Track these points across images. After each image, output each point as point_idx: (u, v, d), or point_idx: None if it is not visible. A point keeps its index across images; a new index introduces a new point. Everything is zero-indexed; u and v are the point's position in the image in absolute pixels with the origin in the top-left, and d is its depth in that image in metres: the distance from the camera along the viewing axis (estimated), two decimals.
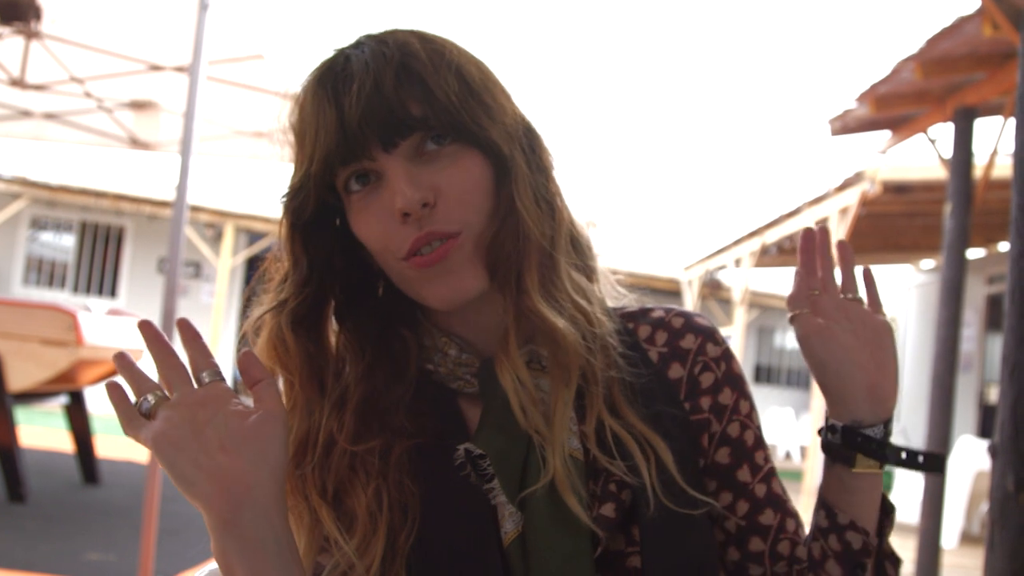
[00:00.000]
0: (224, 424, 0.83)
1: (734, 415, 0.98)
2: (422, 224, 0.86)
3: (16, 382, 6.01)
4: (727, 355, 1.01)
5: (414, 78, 0.87)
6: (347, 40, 0.94)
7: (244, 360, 0.89)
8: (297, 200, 0.92)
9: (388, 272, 0.92)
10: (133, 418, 0.87)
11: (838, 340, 0.96)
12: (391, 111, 0.86)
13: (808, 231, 1.01)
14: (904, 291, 15.06)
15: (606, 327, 0.95)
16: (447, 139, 0.88)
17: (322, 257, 0.95)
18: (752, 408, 1.01)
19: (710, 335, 1.01)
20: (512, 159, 0.91)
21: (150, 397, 0.86)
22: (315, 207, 0.92)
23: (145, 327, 0.90)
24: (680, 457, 0.92)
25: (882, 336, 0.97)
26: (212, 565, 1.07)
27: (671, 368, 0.99)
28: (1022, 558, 2.32)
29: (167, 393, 0.87)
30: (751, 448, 0.99)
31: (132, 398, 0.88)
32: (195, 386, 0.87)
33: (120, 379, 0.89)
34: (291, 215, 0.94)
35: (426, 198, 0.86)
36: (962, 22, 5.00)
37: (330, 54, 0.93)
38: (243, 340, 0.99)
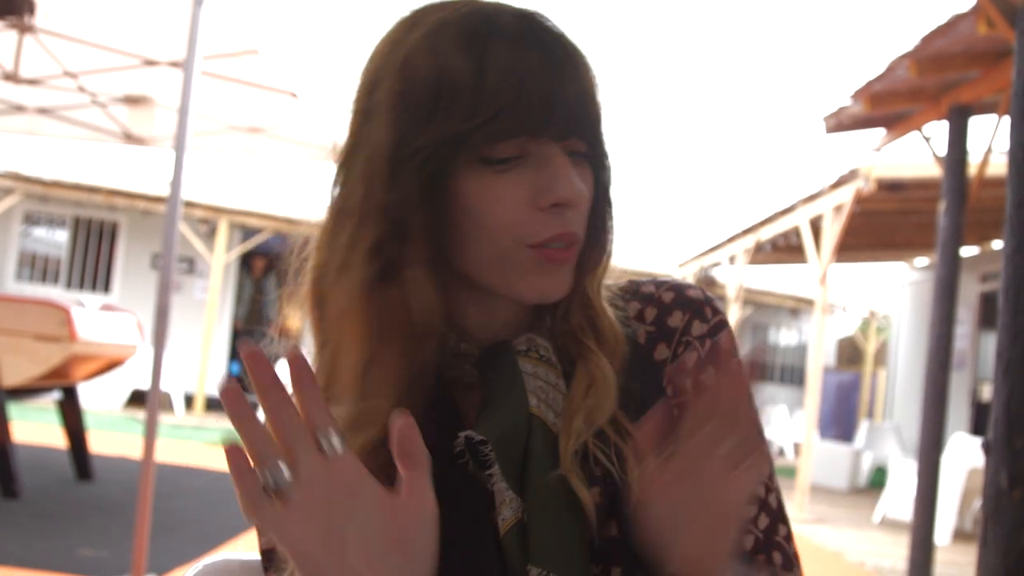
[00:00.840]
0: (367, 523, 0.73)
1: None
2: (567, 222, 0.86)
3: (9, 378, 5.99)
4: (714, 331, 0.97)
5: (595, 85, 0.89)
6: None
7: (403, 431, 0.74)
8: (449, 147, 0.83)
9: (489, 254, 0.87)
10: (255, 495, 0.71)
11: (674, 506, 0.80)
12: (587, 110, 0.87)
13: (683, 372, 0.92)
14: (898, 289, 15.08)
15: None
16: (587, 153, 0.90)
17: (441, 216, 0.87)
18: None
19: (699, 310, 0.98)
20: (611, 184, 0.94)
21: (282, 470, 0.71)
22: (451, 163, 0.85)
23: (253, 360, 0.74)
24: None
25: (728, 517, 0.81)
26: (205, 561, 1.07)
27: (657, 348, 0.97)
28: (1016, 554, 2.32)
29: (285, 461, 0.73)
30: None
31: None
32: (319, 454, 0.73)
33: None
34: (433, 163, 0.84)
35: (586, 197, 0.88)
36: (957, 20, 5.00)
37: (488, 7, 0.87)
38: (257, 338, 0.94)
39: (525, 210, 0.85)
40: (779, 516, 0.96)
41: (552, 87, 0.83)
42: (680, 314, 0.98)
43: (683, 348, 0.97)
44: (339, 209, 0.90)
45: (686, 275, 15.51)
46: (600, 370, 0.90)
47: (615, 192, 0.95)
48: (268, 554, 0.98)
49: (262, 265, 14.46)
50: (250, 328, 14.14)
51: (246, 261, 15.73)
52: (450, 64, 0.84)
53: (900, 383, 14.43)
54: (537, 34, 0.86)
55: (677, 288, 1.00)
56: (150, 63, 6.25)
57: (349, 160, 0.90)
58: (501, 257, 0.87)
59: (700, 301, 0.98)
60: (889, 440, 12.90)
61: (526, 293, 0.89)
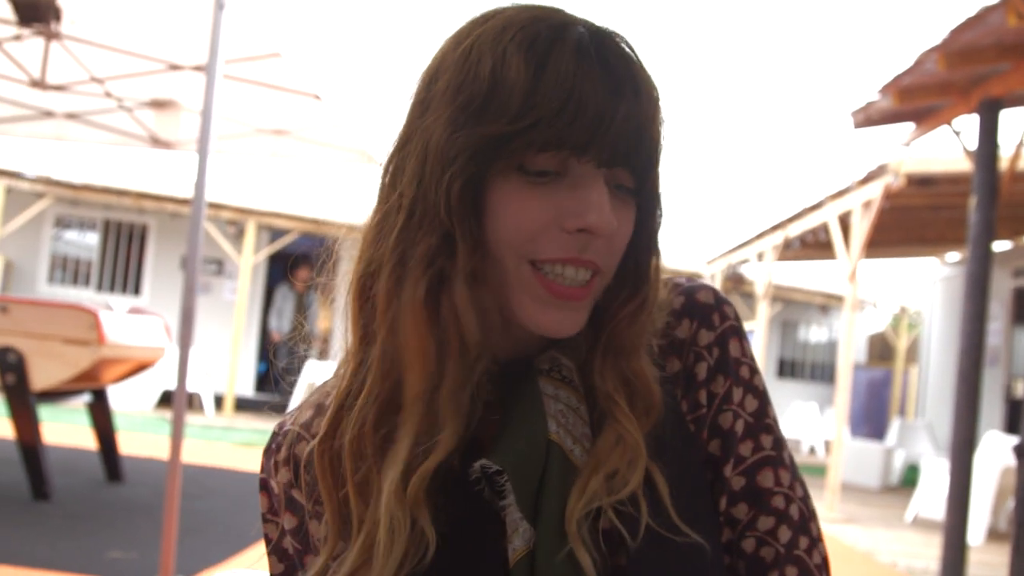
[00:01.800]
0: None
1: (725, 404, 0.92)
2: (588, 250, 0.83)
3: (39, 381, 6.05)
4: (722, 338, 0.94)
5: (656, 119, 0.85)
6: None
7: None
8: (491, 149, 0.81)
9: (499, 271, 0.84)
10: None
11: None
12: (640, 141, 0.83)
13: None
14: (929, 284, 14.94)
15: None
16: (634, 191, 0.86)
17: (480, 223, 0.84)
18: (747, 392, 0.94)
19: (706, 317, 0.94)
20: (657, 231, 0.90)
21: None
22: (493, 166, 0.82)
23: None
24: (678, 487, 0.87)
25: None
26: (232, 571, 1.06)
27: (669, 362, 0.93)
28: None
29: None
30: (740, 438, 0.92)
31: None
32: None
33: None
34: (475, 163, 0.81)
35: (616, 230, 0.83)
36: (986, 12, 4.93)
37: (565, 16, 0.84)
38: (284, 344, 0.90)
39: (548, 229, 0.82)
40: (801, 528, 0.93)
41: (604, 105, 0.80)
42: (688, 323, 0.94)
43: (692, 359, 0.93)
44: (389, 203, 0.86)
45: (714, 272, 15.43)
46: (632, 437, 0.85)
47: (663, 242, 0.91)
48: None
49: (306, 276, 14.33)
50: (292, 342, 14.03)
51: (274, 262, 15.78)
52: (508, 63, 0.81)
53: (932, 380, 14.29)
54: (602, 51, 0.82)
55: (688, 292, 0.96)
56: (175, 67, 6.29)
57: (401, 152, 0.87)
58: (506, 273, 0.84)
59: (709, 307, 0.95)
60: (921, 438, 12.79)
61: (533, 324, 0.85)
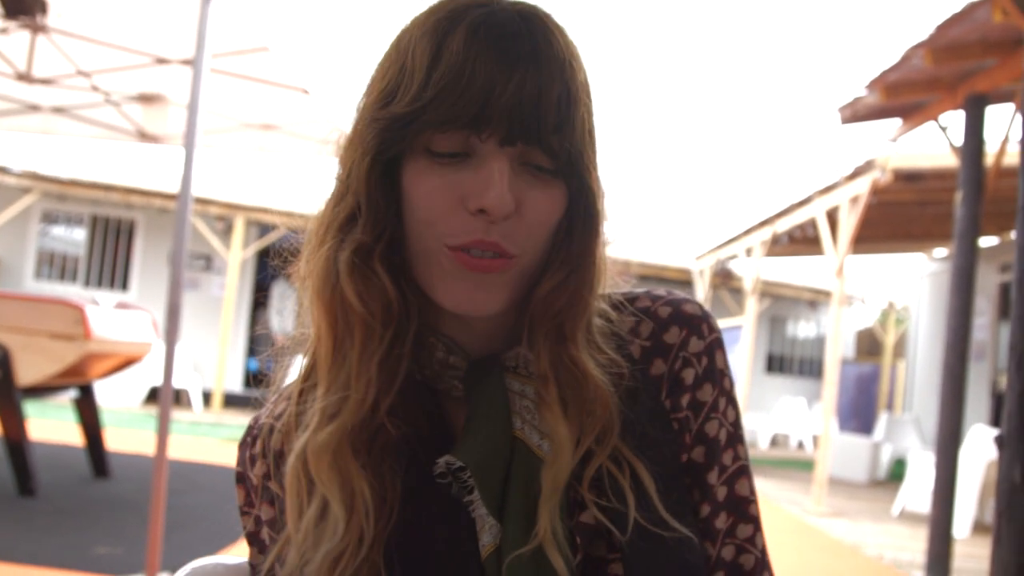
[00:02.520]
0: None
1: (712, 412, 0.94)
2: (491, 230, 0.82)
3: (25, 376, 6.03)
4: (710, 348, 0.96)
5: (569, 95, 0.83)
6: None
7: None
8: (394, 130, 0.83)
9: (416, 250, 0.86)
10: None
11: None
12: (539, 113, 0.81)
13: None
14: (917, 280, 14.99)
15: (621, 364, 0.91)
16: (554, 170, 0.85)
17: (390, 203, 0.86)
18: (730, 403, 0.96)
19: (696, 327, 0.96)
20: (601, 213, 0.89)
21: None
22: (400, 148, 0.84)
23: None
24: (663, 483, 0.89)
25: None
26: (193, 564, 1.06)
27: (653, 364, 0.94)
28: None
29: None
30: (723, 447, 0.94)
31: None
32: None
33: None
34: (379, 144, 0.84)
35: (512, 211, 0.82)
36: (972, 8, 4.96)
37: (470, 5, 0.84)
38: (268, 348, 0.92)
39: (455, 211, 0.82)
40: (761, 532, 0.97)
41: (493, 78, 0.80)
42: (677, 330, 0.95)
43: (680, 364, 0.94)
44: (337, 182, 0.90)
45: (703, 268, 15.46)
46: (556, 432, 0.85)
47: (604, 216, 0.90)
48: (256, 568, 0.97)
49: None
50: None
51: (263, 258, 15.76)
52: (413, 51, 0.83)
53: (920, 375, 14.34)
54: (501, 26, 0.82)
55: (674, 303, 0.97)
56: (162, 61, 6.26)
57: (343, 151, 0.90)
58: (427, 255, 0.85)
59: (698, 318, 0.96)
60: (909, 432, 12.84)
61: (445, 301, 0.85)
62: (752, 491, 0.96)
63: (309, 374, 0.91)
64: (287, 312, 13.22)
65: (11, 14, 5.43)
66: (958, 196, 5.85)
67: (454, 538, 0.84)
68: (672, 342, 0.95)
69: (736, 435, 0.96)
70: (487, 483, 0.83)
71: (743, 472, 0.96)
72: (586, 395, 0.87)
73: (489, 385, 0.88)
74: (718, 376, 0.95)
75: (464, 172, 0.82)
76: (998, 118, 6.44)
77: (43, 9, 5.47)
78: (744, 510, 0.95)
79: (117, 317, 6.62)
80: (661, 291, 1.00)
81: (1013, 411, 2.35)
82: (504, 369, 0.89)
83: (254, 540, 0.98)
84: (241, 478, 0.99)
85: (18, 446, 6.05)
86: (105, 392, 11.97)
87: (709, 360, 0.95)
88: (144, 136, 7.81)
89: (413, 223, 0.84)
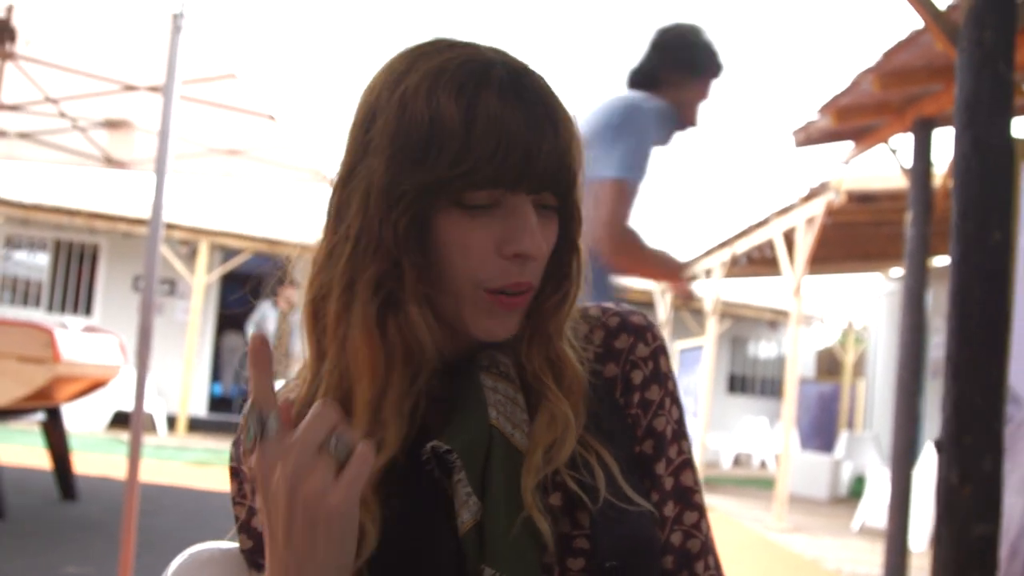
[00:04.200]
0: (314, 498, 0.82)
1: (659, 410, 1.07)
2: (524, 271, 0.94)
3: None
4: (655, 353, 1.09)
5: (575, 142, 0.96)
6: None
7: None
8: (434, 190, 0.91)
9: (446, 291, 0.95)
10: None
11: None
12: (563, 169, 0.94)
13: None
14: (875, 300, 15.24)
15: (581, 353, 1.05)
16: (558, 208, 0.98)
17: (427, 255, 0.95)
18: (674, 403, 1.09)
19: (641, 334, 1.09)
20: (578, 234, 1.02)
21: (272, 418, 0.84)
22: (434, 203, 0.92)
23: (257, 345, 0.87)
24: (623, 463, 1.02)
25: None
26: (190, 550, 1.16)
27: (607, 367, 1.07)
28: (967, 547, 2.43)
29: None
30: (669, 441, 1.07)
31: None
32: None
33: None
34: (419, 204, 0.92)
35: (545, 252, 0.96)
36: (917, 35, 5.12)
37: (482, 56, 0.94)
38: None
39: (489, 257, 0.93)
40: (705, 518, 1.09)
41: (529, 144, 0.90)
42: (625, 337, 1.09)
43: (629, 367, 1.08)
44: (336, 234, 0.96)
45: (665, 289, 15.62)
46: (559, 410, 0.99)
47: (582, 242, 1.02)
48: (248, 554, 1.08)
49: (292, 294, 13.83)
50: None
51: (227, 282, 15.74)
52: (443, 112, 0.90)
53: (879, 393, 14.57)
54: (523, 90, 0.92)
55: (622, 314, 1.11)
56: (130, 88, 6.34)
57: (346, 186, 0.96)
58: (461, 296, 0.95)
59: (643, 327, 1.10)
60: (868, 450, 13.04)
61: (477, 333, 0.97)
62: (696, 482, 1.08)
63: (303, 406, 0.95)
64: (267, 326, 13.17)
65: None
66: (908, 216, 6.03)
67: (430, 521, 0.95)
68: (621, 347, 1.09)
69: (680, 431, 1.08)
70: (470, 464, 0.94)
71: (687, 464, 1.08)
72: (564, 382, 1.01)
73: (467, 382, 1.00)
74: (663, 378, 1.08)
75: (494, 220, 0.93)
76: (945, 141, 6.64)
77: (12, 37, 5.55)
78: (689, 499, 1.07)
79: (85, 340, 6.66)
80: (609, 304, 1.13)
81: (950, 417, 2.50)
82: (479, 368, 1.00)
83: (245, 528, 1.09)
84: (235, 472, 1.09)
85: None
86: (69, 416, 11.90)
87: (654, 364, 1.08)
88: (110, 161, 7.87)
89: (447, 269, 0.94)
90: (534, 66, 0.97)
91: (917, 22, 4.99)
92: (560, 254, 1.01)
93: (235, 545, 1.11)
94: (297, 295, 1.05)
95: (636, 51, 3.24)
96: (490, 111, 0.89)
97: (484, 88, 0.90)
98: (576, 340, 1.06)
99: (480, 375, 1.00)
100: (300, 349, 1.06)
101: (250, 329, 13.23)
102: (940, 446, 2.51)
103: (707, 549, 1.07)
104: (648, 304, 16.03)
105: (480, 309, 0.95)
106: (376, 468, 0.92)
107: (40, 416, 6.88)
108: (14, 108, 6.67)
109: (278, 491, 0.82)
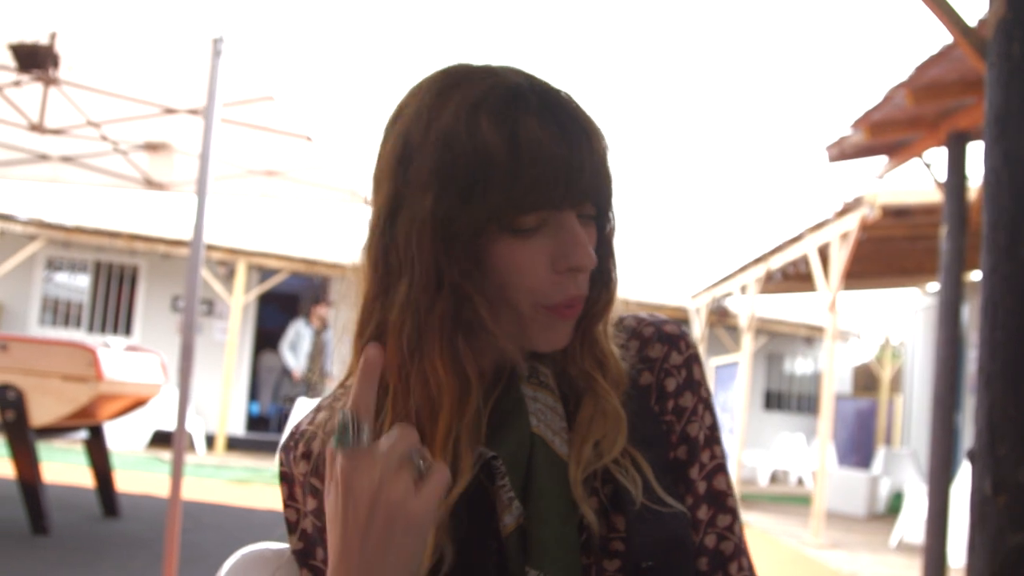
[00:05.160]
0: (394, 507, 0.85)
1: (692, 416, 1.11)
2: (579, 284, 0.99)
3: (38, 417, 6.16)
4: (688, 362, 1.12)
5: (607, 159, 1.00)
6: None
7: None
8: (486, 219, 0.94)
9: (504, 310, 0.98)
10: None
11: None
12: (600, 182, 0.99)
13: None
14: (911, 315, 15.13)
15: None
16: (595, 215, 1.02)
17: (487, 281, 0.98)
18: (707, 409, 1.13)
19: (675, 343, 1.13)
20: (614, 238, 1.06)
21: (366, 430, 0.87)
22: (490, 229, 0.95)
23: (370, 357, 0.90)
24: (657, 467, 1.06)
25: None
26: (243, 551, 1.21)
27: (642, 376, 1.11)
28: (1001, 557, 2.44)
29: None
30: (702, 447, 1.11)
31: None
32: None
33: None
34: (474, 235, 0.94)
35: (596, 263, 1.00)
36: (949, 48, 5.15)
37: (510, 81, 0.96)
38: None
39: (545, 275, 0.97)
40: (740, 522, 1.13)
41: (571, 163, 0.94)
42: (660, 346, 1.13)
43: (663, 375, 1.12)
44: (387, 263, 0.99)
45: (700, 307, 15.60)
46: (610, 404, 1.04)
47: (618, 245, 1.07)
48: (299, 555, 1.13)
49: (324, 312, 13.81)
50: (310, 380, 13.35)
51: (265, 302, 15.91)
52: (487, 143, 0.92)
53: (916, 409, 14.45)
54: (558, 111, 0.96)
55: (656, 324, 1.15)
56: (170, 111, 6.46)
57: (391, 222, 0.97)
58: (522, 316, 0.99)
59: (676, 336, 1.14)
60: (906, 466, 12.92)
61: (539, 346, 1.01)
62: (729, 486, 1.12)
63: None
64: (302, 349, 13.24)
65: (24, 67, 5.64)
66: (943, 230, 6.02)
67: (476, 522, 0.99)
68: (656, 356, 1.13)
69: (713, 437, 1.13)
70: (514, 471, 0.99)
71: (720, 469, 1.12)
72: (610, 376, 1.06)
73: (508, 392, 1.04)
74: (696, 385, 1.12)
75: (544, 238, 0.96)
76: (980, 154, 6.62)
77: (55, 62, 5.68)
78: (723, 502, 1.11)
79: (127, 359, 6.77)
80: (644, 314, 1.18)
81: (982, 428, 2.51)
82: (520, 379, 1.05)
83: (295, 530, 1.14)
84: (285, 476, 1.14)
85: (32, 486, 6.17)
86: (110, 435, 12.06)
87: (688, 372, 1.12)
88: (150, 183, 8.00)
89: (507, 292, 0.97)
90: (556, 83, 1.01)
91: (949, 36, 5.01)
92: (600, 259, 1.04)
93: (286, 546, 1.16)
94: (331, 314, 1.09)
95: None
96: (531, 136, 0.92)
97: (522, 114, 0.93)
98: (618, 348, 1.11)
99: (521, 385, 1.04)
100: (333, 367, 1.10)
101: (284, 348, 13.35)
102: (973, 456, 2.53)
103: (740, 551, 1.11)
104: (683, 321, 16.00)
105: (541, 325, 0.99)
106: (454, 494, 0.96)
107: (83, 434, 7.00)
108: (57, 132, 6.81)
109: (361, 494, 0.85)
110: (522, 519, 0.98)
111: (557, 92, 0.99)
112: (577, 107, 0.99)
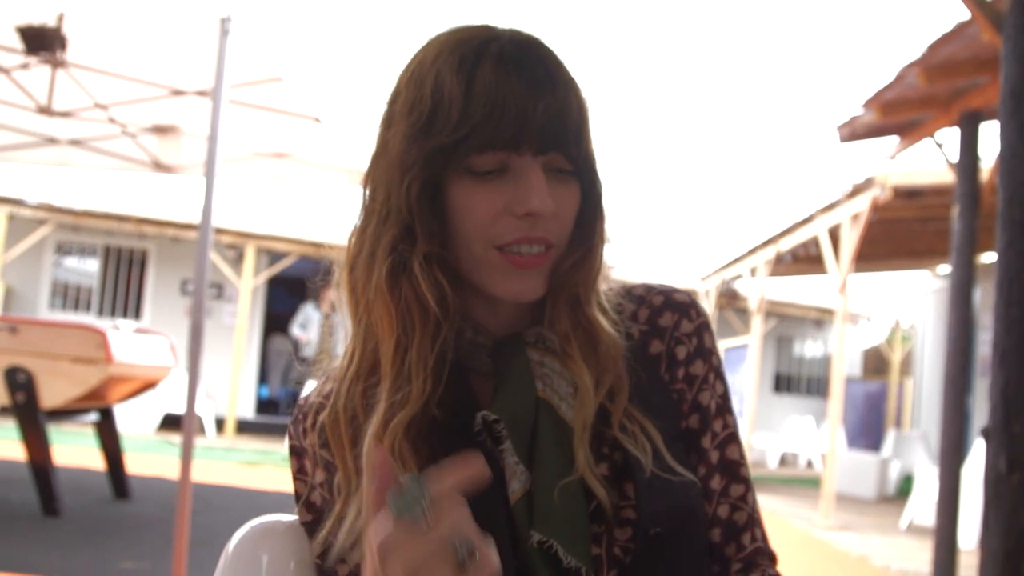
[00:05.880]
0: None
1: (704, 385, 1.10)
2: (536, 227, 0.98)
3: (48, 399, 6.18)
4: (699, 330, 1.12)
5: (581, 111, 1.00)
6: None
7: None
8: (439, 157, 0.96)
9: (465, 257, 1.00)
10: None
11: None
12: (563, 127, 0.98)
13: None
14: (922, 297, 15.09)
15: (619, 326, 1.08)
16: (572, 171, 1.01)
17: (438, 218, 1.00)
18: (718, 378, 1.12)
19: (685, 311, 1.12)
20: (603, 201, 1.05)
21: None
22: (443, 171, 0.97)
23: (382, 463, 0.83)
24: (667, 436, 1.04)
25: None
26: (252, 523, 1.21)
27: (651, 344, 1.11)
28: (1016, 535, 2.42)
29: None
30: (713, 415, 1.10)
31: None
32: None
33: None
34: (425, 170, 0.97)
35: (555, 210, 0.98)
36: (962, 27, 5.10)
37: (489, 33, 0.99)
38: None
39: (499, 216, 0.97)
40: (753, 491, 1.12)
41: (524, 104, 0.94)
42: (670, 315, 1.12)
43: (674, 343, 1.11)
44: (367, 207, 1.03)
45: (709, 289, 15.58)
46: (581, 379, 1.02)
47: (606, 204, 1.06)
48: (307, 526, 1.12)
49: (333, 296, 13.79)
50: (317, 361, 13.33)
51: (274, 285, 15.92)
52: (443, 83, 0.96)
53: (927, 391, 14.42)
54: (519, 57, 0.97)
55: (666, 292, 1.14)
56: (178, 93, 6.44)
57: (375, 162, 1.02)
58: (477, 258, 1.00)
59: (687, 304, 1.13)
60: (916, 448, 12.90)
61: (500, 293, 1.01)
62: (742, 456, 1.11)
63: (361, 367, 1.04)
64: (311, 327, 13.28)
65: (32, 50, 5.62)
66: (954, 211, 5.98)
67: (484, 489, 0.99)
68: (666, 325, 1.12)
69: (725, 406, 1.12)
70: (517, 435, 0.98)
71: (732, 439, 1.11)
72: (600, 348, 1.04)
73: (514, 357, 1.04)
74: (707, 353, 1.12)
75: (504, 184, 0.97)
76: (993, 134, 6.57)
77: (62, 45, 5.66)
78: (736, 472, 1.10)
79: (137, 341, 6.78)
80: (654, 283, 1.17)
81: (997, 404, 2.49)
82: (525, 344, 1.05)
83: (305, 503, 1.13)
84: (295, 450, 1.14)
85: (43, 468, 6.19)
86: (120, 418, 12.10)
87: (698, 340, 1.12)
88: (159, 166, 7.99)
89: (463, 234, 0.99)
90: (542, 40, 1.01)
91: (962, 14, 4.96)
92: (584, 218, 1.04)
93: (295, 518, 1.16)
94: (337, 296, 1.10)
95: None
96: (486, 78, 0.95)
97: (483, 59, 0.96)
98: (619, 316, 1.09)
99: (527, 350, 1.04)
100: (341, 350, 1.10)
101: (294, 330, 13.36)
102: (987, 434, 2.51)
103: (753, 521, 1.10)
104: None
105: (496, 269, 0.99)
106: (404, 418, 0.96)
107: (93, 417, 7.02)
108: (65, 115, 6.79)
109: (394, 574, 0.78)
110: (529, 484, 0.97)
111: (536, 44, 1.00)
112: (552, 58, 1.00)
